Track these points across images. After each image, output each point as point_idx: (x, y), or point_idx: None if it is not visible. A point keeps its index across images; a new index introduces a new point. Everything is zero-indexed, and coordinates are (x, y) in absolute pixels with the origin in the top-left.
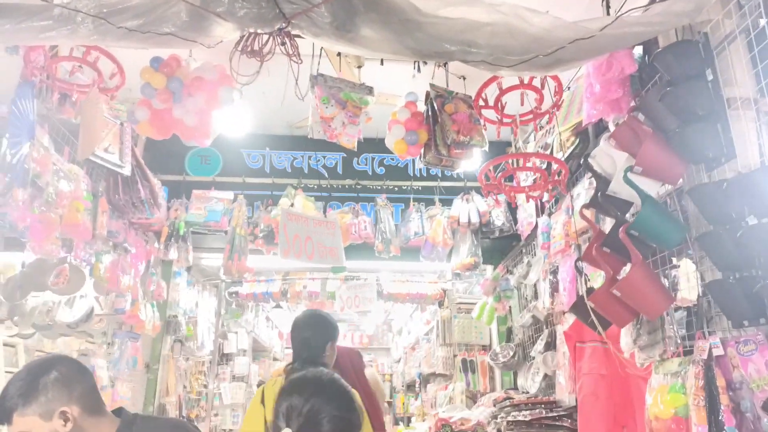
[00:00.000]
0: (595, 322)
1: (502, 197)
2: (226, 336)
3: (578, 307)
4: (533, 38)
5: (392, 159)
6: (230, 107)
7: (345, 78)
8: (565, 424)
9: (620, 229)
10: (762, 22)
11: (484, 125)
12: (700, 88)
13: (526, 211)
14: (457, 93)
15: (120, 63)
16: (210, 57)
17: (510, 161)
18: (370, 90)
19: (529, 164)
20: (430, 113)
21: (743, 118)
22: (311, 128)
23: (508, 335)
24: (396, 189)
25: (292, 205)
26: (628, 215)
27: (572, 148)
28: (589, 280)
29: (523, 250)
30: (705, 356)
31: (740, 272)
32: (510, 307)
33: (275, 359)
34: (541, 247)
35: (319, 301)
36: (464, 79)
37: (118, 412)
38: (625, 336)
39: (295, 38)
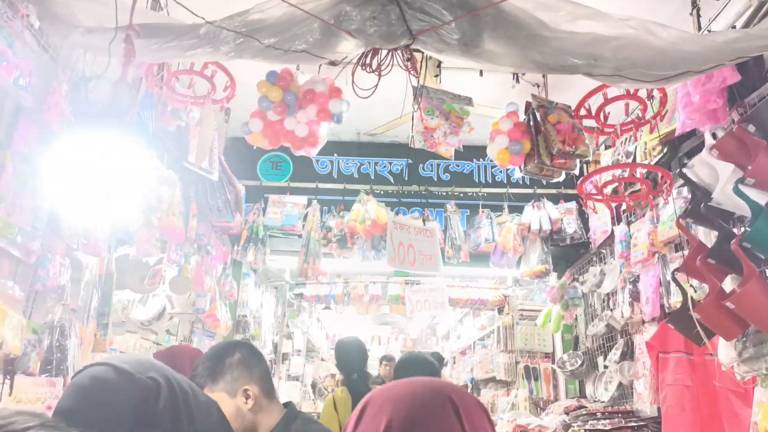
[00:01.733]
0: (702, 333)
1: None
2: (291, 336)
3: (678, 318)
4: (659, 51)
5: (457, 165)
6: (340, 119)
7: (444, 89)
8: None
9: (733, 241)
10: None
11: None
12: None
13: (601, 220)
14: (557, 103)
15: (233, 76)
16: (312, 69)
17: (615, 171)
18: (469, 100)
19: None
20: (531, 123)
21: None
22: (412, 138)
23: (574, 344)
24: (462, 195)
25: (366, 211)
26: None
27: (659, 156)
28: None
29: (593, 258)
30: None
31: None
32: (576, 315)
33: (322, 359)
34: (620, 255)
35: (380, 304)
36: (538, 86)
37: (287, 404)
38: (727, 348)
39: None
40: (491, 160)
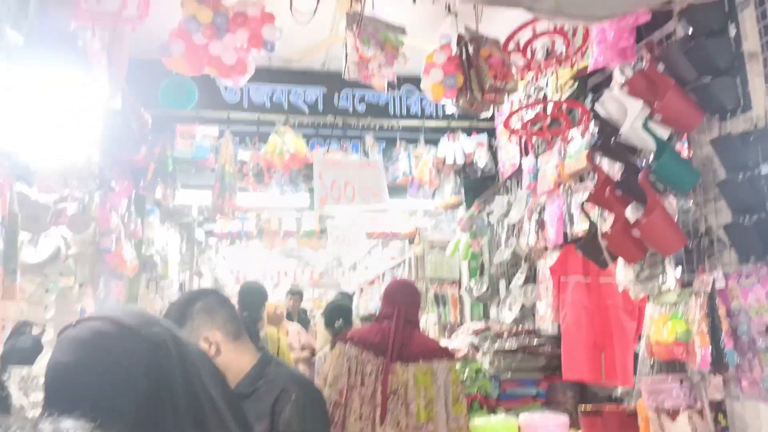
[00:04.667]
0: (607, 258)
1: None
2: (201, 274)
3: (586, 245)
4: None
5: (372, 96)
6: (273, 47)
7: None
8: (546, 351)
9: (641, 173)
10: None
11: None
12: (722, 43)
13: (509, 152)
14: (487, 37)
15: None
16: None
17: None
18: (403, 30)
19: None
20: (464, 57)
21: (758, 74)
22: (347, 68)
23: (480, 270)
24: (378, 127)
25: (283, 143)
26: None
27: (569, 91)
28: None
29: (501, 190)
30: (709, 288)
31: (752, 215)
32: (482, 244)
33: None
34: (527, 187)
35: (294, 238)
36: (457, 16)
37: (260, 349)
38: (624, 271)
39: None
40: (407, 92)
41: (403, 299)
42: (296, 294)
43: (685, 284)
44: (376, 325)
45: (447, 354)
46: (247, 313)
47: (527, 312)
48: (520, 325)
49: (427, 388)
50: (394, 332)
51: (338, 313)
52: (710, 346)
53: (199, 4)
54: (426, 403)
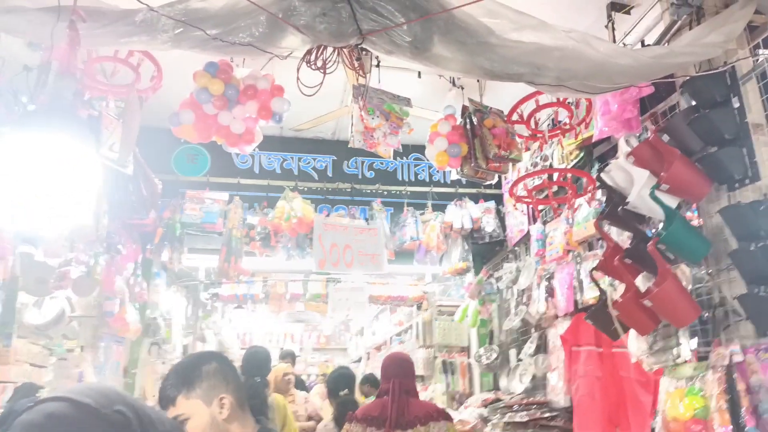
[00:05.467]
0: (618, 329)
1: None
2: (204, 338)
3: (597, 314)
4: (597, 63)
5: (381, 163)
6: (281, 119)
7: (383, 89)
8: (558, 424)
9: (650, 242)
10: None
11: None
12: (726, 114)
13: (517, 219)
14: (491, 108)
15: (161, 67)
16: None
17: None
18: (408, 101)
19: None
20: (468, 127)
21: (764, 144)
22: (352, 137)
23: (489, 338)
24: (386, 193)
25: (291, 208)
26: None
27: (575, 160)
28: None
29: (509, 256)
30: (726, 362)
31: (767, 286)
32: (491, 310)
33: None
34: (536, 253)
35: (301, 302)
36: (463, 88)
37: (259, 420)
38: (637, 342)
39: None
40: (416, 159)
41: (396, 372)
42: (286, 357)
43: (701, 357)
44: (378, 400)
45: (443, 416)
46: (259, 378)
47: (539, 383)
48: (531, 397)
49: None
50: (391, 404)
51: (343, 381)
52: (731, 425)
53: (212, 77)
54: None
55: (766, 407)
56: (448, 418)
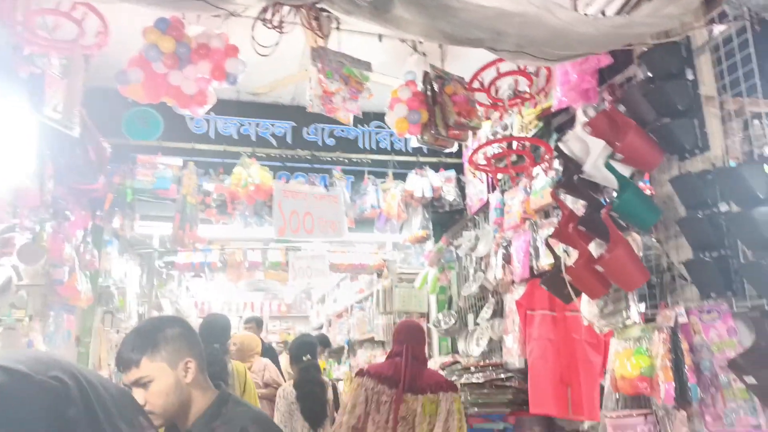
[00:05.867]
0: (571, 293)
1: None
2: (161, 307)
3: (551, 280)
4: (556, 31)
5: (342, 131)
6: (236, 80)
7: (343, 52)
8: (513, 384)
9: (603, 210)
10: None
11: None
12: (680, 86)
13: (477, 188)
14: (452, 75)
15: (107, 22)
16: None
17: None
18: (368, 65)
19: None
20: (429, 93)
21: (714, 116)
22: (311, 101)
23: (448, 304)
24: (347, 161)
25: (248, 175)
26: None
27: (535, 130)
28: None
29: (469, 224)
30: (671, 323)
31: (712, 252)
32: (450, 277)
33: None
34: (494, 222)
35: (261, 270)
36: (425, 55)
37: (218, 386)
38: (589, 305)
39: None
40: (377, 127)
41: (409, 339)
42: (251, 322)
43: (648, 319)
44: (390, 361)
45: (452, 387)
46: (218, 345)
47: (495, 346)
48: (488, 359)
49: (432, 416)
50: (405, 367)
51: (305, 348)
52: (674, 382)
53: (162, 33)
54: (430, 429)
55: (707, 365)
56: (455, 389)
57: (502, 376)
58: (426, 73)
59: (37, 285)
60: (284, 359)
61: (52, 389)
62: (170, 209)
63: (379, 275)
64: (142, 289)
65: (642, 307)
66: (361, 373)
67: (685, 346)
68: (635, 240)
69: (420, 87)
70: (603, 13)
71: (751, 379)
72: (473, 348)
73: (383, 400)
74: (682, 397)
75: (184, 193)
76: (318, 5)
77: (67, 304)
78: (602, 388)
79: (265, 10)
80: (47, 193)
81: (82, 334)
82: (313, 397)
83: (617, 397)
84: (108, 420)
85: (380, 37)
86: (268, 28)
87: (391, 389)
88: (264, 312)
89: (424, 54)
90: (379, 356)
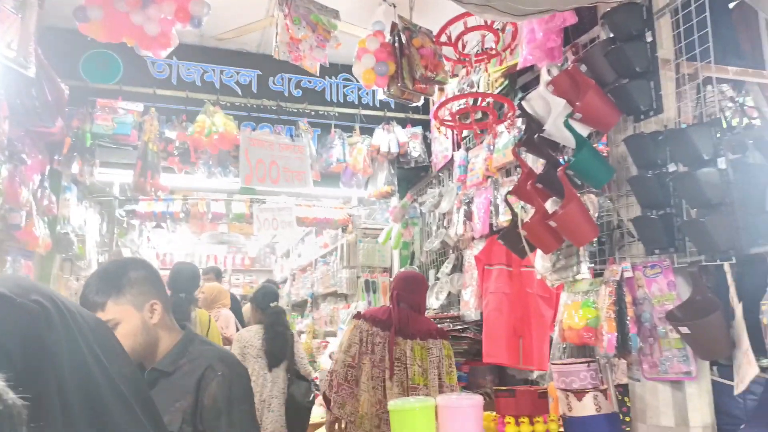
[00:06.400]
0: (526, 248)
1: (439, 130)
2: (121, 255)
3: (507, 235)
4: None
5: (309, 82)
6: (200, 23)
7: None
8: (469, 336)
9: (559, 168)
10: None
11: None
12: (639, 47)
13: (442, 145)
14: (420, 27)
15: None
16: None
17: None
18: (336, 14)
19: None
20: (397, 45)
21: (670, 79)
22: (276, 48)
23: (411, 259)
24: (313, 113)
25: (212, 123)
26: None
27: (500, 88)
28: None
29: (433, 181)
30: (617, 277)
31: (659, 210)
32: (414, 233)
33: None
34: (457, 179)
35: (224, 223)
36: (395, 6)
37: (183, 326)
38: (543, 260)
39: None
40: (345, 80)
41: (404, 286)
42: (209, 272)
43: (597, 274)
44: (385, 307)
45: (441, 334)
46: (184, 294)
47: (453, 299)
48: (446, 312)
49: (423, 359)
50: (396, 313)
51: (271, 296)
52: (616, 332)
53: None
54: (422, 371)
55: (647, 317)
56: (445, 336)
57: (459, 327)
58: (394, 24)
59: None
60: (246, 309)
61: (32, 311)
62: (131, 156)
63: (344, 230)
64: (102, 237)
65: (591, 262)
66: (357, 316)
67: (628, 299)
68: (592, 200)
69: (388, 38)
70: None
71: (685, 329)
72: (433, 301)
73: (377, 341)
74: (623, 347)
75: (146, 139)
76: None
77: (25, 249)
78: (551, 340)
79: None
80: (2, 135)
81: (41, 281)
82: (283, 339)
83: (564, 347)
84: (87, 346)
85: None
86: None
87: (384, 332)
88: (227, 265)
89: (393, 5)
90: (342, 308)
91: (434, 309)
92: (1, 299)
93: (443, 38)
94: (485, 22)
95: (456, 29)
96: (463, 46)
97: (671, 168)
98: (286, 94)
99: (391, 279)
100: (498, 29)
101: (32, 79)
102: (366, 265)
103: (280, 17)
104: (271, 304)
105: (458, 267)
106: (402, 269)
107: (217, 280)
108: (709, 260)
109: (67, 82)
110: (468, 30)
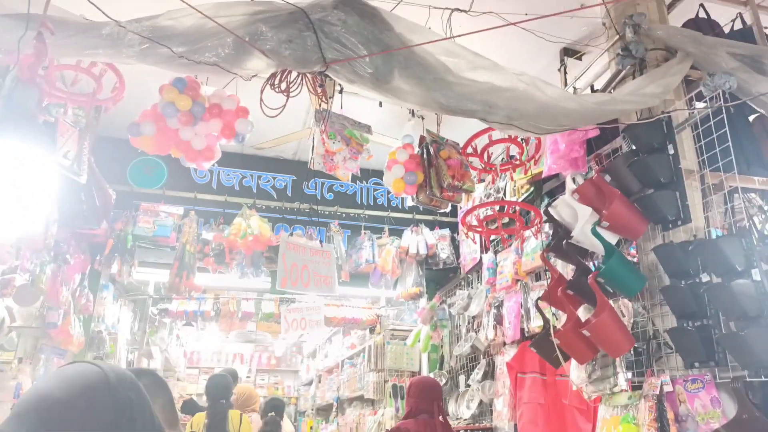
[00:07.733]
0: (560, 357)
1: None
2: (150, 354)
3: (540, 343)
4: (543, 106)
5: (341, 186)
6: (244, 139)
7: (344, 114)
8: None
9: (590, 276)
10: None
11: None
12: (662, 159)
13: (470, 247)
14: (448, 140)
15: (123, 78)
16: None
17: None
18: (368, 128)
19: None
20: (425, 156)
21: (695, 189)
22: (312, 159)
23: (440, 363)
24: (344, 216)
25: (248, 225)
26: (587, 263)
27: (526, 194)
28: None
29: (462, 283)
30: (657, 392)
31: (695, 321)
32: (443, 336)
33: (178, 379)
34: (486, 282)
35: (253, 321)
36: (423, 119)
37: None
38: (578, 370)
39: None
40: (375, 184)
41: (434, 395)
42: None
43: (635, 386)
44: (421, 420)
45: None
46: (224, 401)
47: (485, 408)
48: (478, 423)
49: None
50: (442, 425)
51: (271, 407)
52: None
53: (179, 92)
54: None
55: None
56: None
57: None
58: (422, 137)
59: (29, 327)
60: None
61: (122, 404)
62: (169, 257)
63: (372, 331)
64: (134, 335)
65: (629, 374)
66: (397, 429)
67: (670, 415)
68: (627, 306)
69: (416, 150)
70: (592, 87)
71: None
72: (464, 410)
73: None
74: None
75: (184, 241)
76: (323, 73)
77: (59, 347)
78: None
79: (273, 75)
80: (50, 237)
81: None
82: None
83: None
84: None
85: (380, 102)
86: (276, 92)
87: None
88: (252, 364)
89: (421, 117)
90: (368, 414)
91: (465, 419)
92: (107, 387)
93: (469, 150)
94: (509, 135)
95: (481, 141)
96: (489, 157)
97: (704, 278)
98: (319, 197)
99: (419, 387)
100: (521, 141)
101: (83, 184)
102: (394, 369)
103: (316, 132)
104: (269, 414)
105: (489, 374)
106: (415, 377)
107: (234, 382)
108: (753, 375)
109: (114, 187)
110: (493, 143)
